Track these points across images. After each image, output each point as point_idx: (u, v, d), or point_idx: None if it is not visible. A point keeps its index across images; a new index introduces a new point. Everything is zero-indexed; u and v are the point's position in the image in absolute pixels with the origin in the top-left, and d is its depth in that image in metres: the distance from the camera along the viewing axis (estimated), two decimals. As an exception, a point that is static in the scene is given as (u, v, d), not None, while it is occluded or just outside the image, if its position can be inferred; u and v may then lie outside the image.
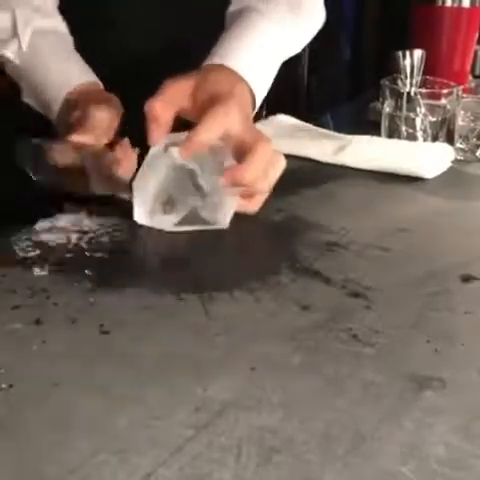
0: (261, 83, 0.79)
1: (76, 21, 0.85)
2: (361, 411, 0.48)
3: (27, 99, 0.84)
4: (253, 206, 0.74)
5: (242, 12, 0.84)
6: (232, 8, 0.87)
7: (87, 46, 0.83)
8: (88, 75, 0.81)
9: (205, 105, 0.70)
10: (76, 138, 0.72)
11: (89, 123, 0.73)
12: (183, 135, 0.69)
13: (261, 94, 0.79)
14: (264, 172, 0.70)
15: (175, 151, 0.69)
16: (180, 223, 0.71)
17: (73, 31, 0.85)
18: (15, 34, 0.82)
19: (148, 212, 0.71)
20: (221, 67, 0.76)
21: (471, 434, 0.46)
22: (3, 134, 0.81)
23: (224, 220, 0.72)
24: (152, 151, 0.72)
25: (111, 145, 0.75)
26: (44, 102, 0.81)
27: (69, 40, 0.85)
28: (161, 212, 0.71)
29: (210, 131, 0.68)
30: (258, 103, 0.79)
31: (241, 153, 0.69)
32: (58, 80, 0.79)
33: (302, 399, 0.49)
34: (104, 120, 0.74)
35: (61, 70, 0.80)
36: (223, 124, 0.69)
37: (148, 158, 0.72)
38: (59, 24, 0.85)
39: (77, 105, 0.75)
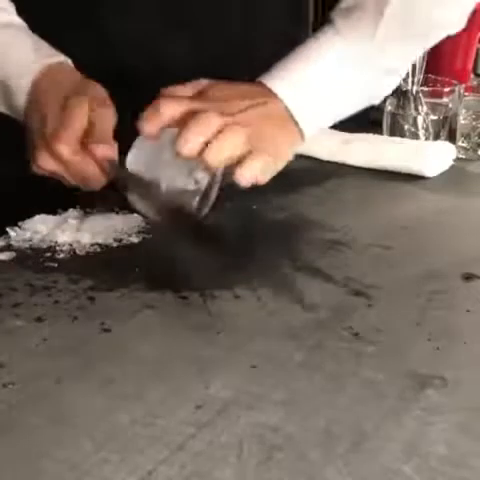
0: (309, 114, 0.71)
1: (68, 36, 0.79)
2: (362, 409, 0.48)
3: None
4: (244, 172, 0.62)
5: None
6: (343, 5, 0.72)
7: (78, 62, 0.77)
8: (56, 55, 0.72)
9: None
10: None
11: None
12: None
13: (310, 126, 0.72)
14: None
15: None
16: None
17: (65, 46, 0.75)
18: None
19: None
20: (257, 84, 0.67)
21: (472, 432, 0.46)
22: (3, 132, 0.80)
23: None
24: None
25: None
26: (5, 93, 0.72)
27: (30, 33, 0.75)
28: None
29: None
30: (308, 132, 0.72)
31: None
32: (21, 64, 0.71)
33: (303, 397, 0.49)
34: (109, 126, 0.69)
35: (22, 55, 0.71)
36: None
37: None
38: (17, 20, 0.76)
39: (58, 95, 0.67)
